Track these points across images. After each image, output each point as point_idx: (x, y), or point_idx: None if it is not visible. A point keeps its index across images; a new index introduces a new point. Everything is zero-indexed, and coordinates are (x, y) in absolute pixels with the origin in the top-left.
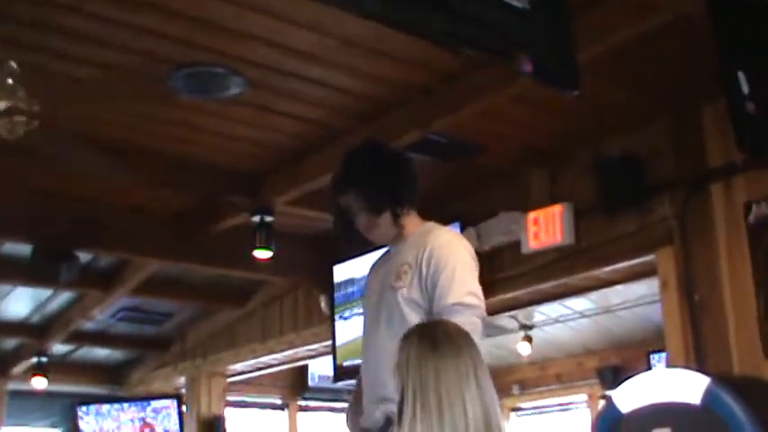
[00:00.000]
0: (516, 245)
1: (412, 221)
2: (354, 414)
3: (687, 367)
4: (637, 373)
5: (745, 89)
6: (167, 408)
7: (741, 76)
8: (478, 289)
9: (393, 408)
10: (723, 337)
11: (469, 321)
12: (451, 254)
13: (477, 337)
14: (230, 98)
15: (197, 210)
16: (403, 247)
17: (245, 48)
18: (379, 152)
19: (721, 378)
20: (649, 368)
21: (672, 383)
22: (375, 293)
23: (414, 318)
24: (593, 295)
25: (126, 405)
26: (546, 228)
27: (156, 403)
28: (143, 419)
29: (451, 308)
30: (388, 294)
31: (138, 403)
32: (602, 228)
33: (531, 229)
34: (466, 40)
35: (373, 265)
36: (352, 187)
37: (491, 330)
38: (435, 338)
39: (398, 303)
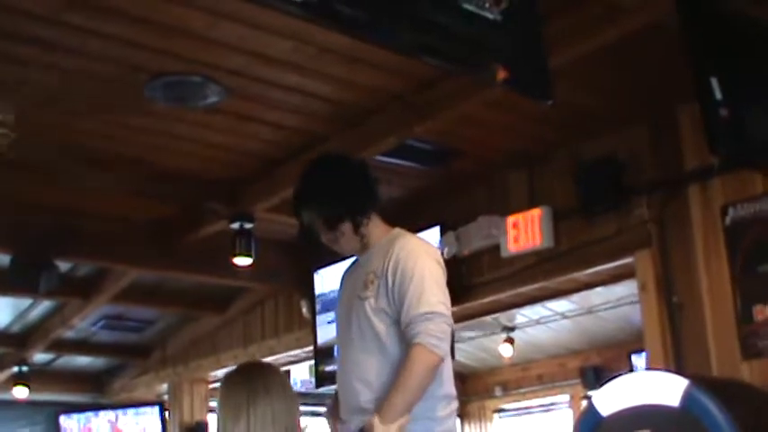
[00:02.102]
0: (496, 248)
1: (377, 228)
2: (333, 416)
3: (666, 369)
4: (618, 374)
5: (718, 95)
6: (146, 414)
7: (714, 81)
8: (447, 298)
9: (367, 418)
10: (701, 339)
11: (440, 330)
12: (417, 262)
13: (445, 344)
14: (208, 106)
15: (176, 218)
16: (370, 255)
17: (221, 56)
18: (330, 166)
19: (700, 380)
20: (631, 368)
21: (651, 386)
22: (345, 304)
23: (382, 328)
24: (574, 297)
25: (105, 413)
26: (525, 231)
27: (136, 410)
28: (112, 424)
29: (422, 316)
30: (356, 304)
31: (120, 410)
32: (582, 230)
33: (511, 232)
34: (438, 53)
35: (344, 274)
36: (306, 205)
37: (473, 333)
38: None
39: (366, 314)
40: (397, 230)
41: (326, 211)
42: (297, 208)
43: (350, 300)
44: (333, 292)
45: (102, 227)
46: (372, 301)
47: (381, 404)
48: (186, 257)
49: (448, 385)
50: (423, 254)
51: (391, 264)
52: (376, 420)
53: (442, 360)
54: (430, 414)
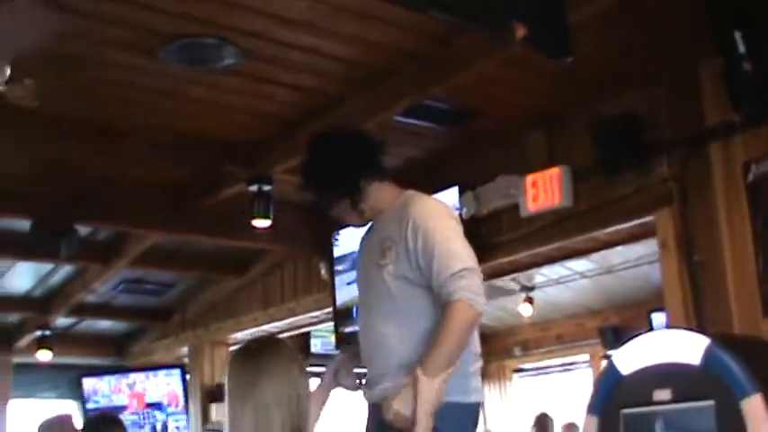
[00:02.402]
0: (515, 208)
1: (388, 192)
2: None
3: (687, 328)
4: (637, 334)
5: (742, 49)
6: (168, 376)
7: (737, 35)
8: (473, 252)
9: (387, 386)
10: (723, 297)
11: (475, 284)
12: (438, 222)
13: (482, 299)
14: (225, 69)
15: (195, 181)
16: (383, 221)
17: (237, 18)
18: (317, 147)
19: (721, 338)
20: (650, 328)
21: (671, 344)
22: (363, 271)
23: (403, 294)
24: (594, 256)
25: (126, 375)
26: (544, 190)
27: (156, 373)
28: (126, 386)
29: (456, 275)
30: (373, 273)
31: (143, 373)
32: (601, 189)
33: (530, 191)
34: (453, 10)
35: (361, 241)
36: (307, 187)
37: (492, 292)
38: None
39: (385, 282)
40: (409, 193)
41: (321, 193)
42: (301, 188)
43: (367, 268)
44: (351, 253)
45: (121, 191)
46: (391, 267)
47: (422, 359)
48: (205, 220)
49: (476, 342)
50: (441, 213)
51: (410, 227)
52: (419, 373)
53: (480, 315)
54: (462, 369)
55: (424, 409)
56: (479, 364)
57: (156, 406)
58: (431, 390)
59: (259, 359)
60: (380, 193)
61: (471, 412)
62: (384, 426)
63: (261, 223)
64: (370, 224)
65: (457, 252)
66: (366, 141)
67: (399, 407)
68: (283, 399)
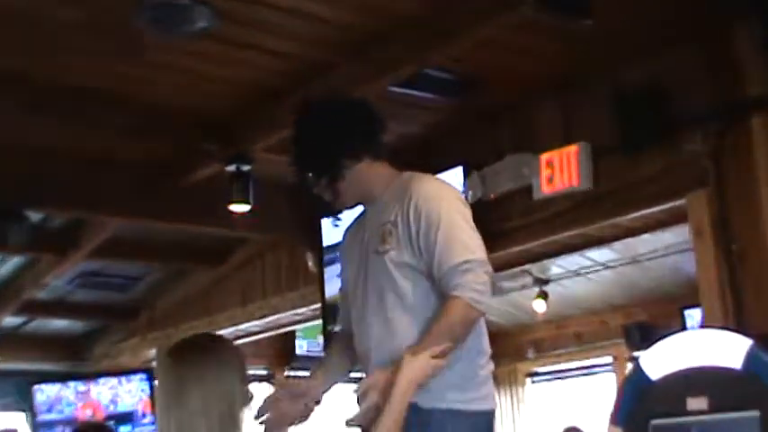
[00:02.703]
0: (527, 191)
1: (383, 173)
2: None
3: (725, 327)
4: (668, 333)
5: None
6: (132, 383)
7: None
8: (481, 241)
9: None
10: (765, 292)
11: (481, 281)
12: (442, 204)
13: (487, 298)
14: (198, 32)
15: (164, 160)
16: (380, 204)
17: None
18: (313, 113)
19: (765, 339)
20: (683, 326)
21: (708, 346)
22: (355, 262)
23: (407, 283)
24: (617, 245)
25: (84, 382)
26: (560, 171)
27: (120, 380)
28: (83, 396)
29: (460, 266)
30: (373, 261)
31: (103, 379)
32: (625, 169)
33: (544, 172)
34: None
35: (348, 229)
36: (295, 164)
37: (502, 286)
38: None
39: (388, 269)
40: (408, 173)
41: (317, 166)
42: (290, 165)
43: (363, 258)
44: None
45: (79, 171)
46: (394, 254)
47: (411, 347)
48: (176, 205)
49: (485, 342)
50: (447, 195)
51: (411, 210)
52: (406, 354)
53: (482, 316)
54: (470, 372)
55: (401, 388)
56: (490, 366)
57: (121, 418)
58: (412, 367)
59: (187, 361)
60: (373, 174)
61: (484, 422)
62: None
63: (239, 208)
64: (362, 210)
65: (463, 240)
66: (359, 111)
67: (371, 388)
68: (213, 407)
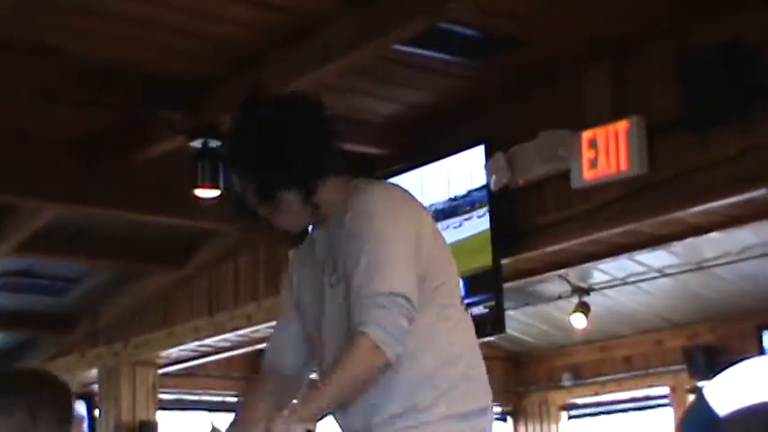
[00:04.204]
0: (565, 177)
1: (336, 188)
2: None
3: None
4: (742, 358)
5: None
6: None
7: None
8: (413, 274)
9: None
10: None
11: (394, 324)
12: (375, 222)
13: (398, 345)
14: None
15: (113, 132)
16: (329, 226)
17: None
18: (267, 109)
19: None
20: (760, 350)
21: None
22: (310, 296)
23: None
24: (677, 246)
25: None
26: (607, 152)
27: None
28: None
29: (374, 299)
30: (329, 296)
31: None
32: (689, 150)
33: (586, 154)
34: None
35: (297, 257)
36: (233, 168)
37: (531, 296)
38: None
39: (345, 305)
40: (356, 183)
41: (260, 175)
42: (225, 168)
43: (317, 293)
44: None
45: (5, 145)
46: (345, 284)
47: (305, 395)
48: (127, 188)
49: (464, 348)
50: (388, 206)
51: (346, 229)
52: (278, 418)
53: (388, 365)
54: (423, 393)
55: None
56: (456, 370)
57: None
58: None
59: (15, 404)
60: (333, 188)
61: None
62: None
63: (207, 193)
64: (310, 231)
65: (387, 267)
66: (325, 114)
67: None
68: None
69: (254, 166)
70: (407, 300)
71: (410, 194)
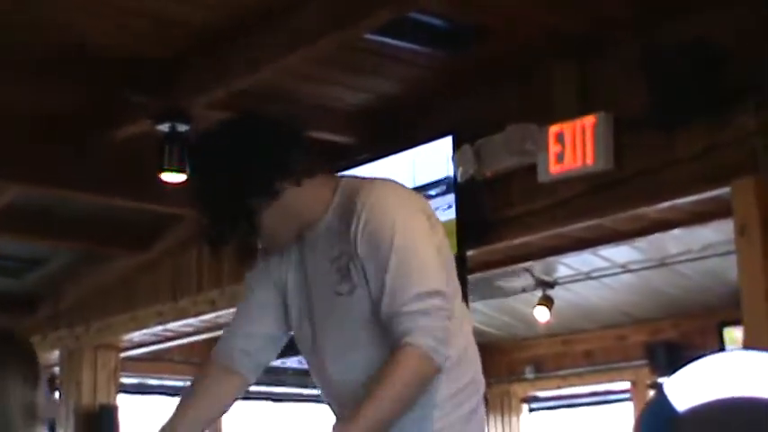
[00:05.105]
0: (531, 170)
1: (321, 190)
2: None
3: None
4: (702, 354)
5: None
6: None
7: None
8: (441, 268)
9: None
10: None
11: (440, 327)
12: (396, 219)
13: (445, 347)
14: None
15: (77, 113)
16: (324, 229)
17: None
18: (221, 138)
19: None
20: (721, 347)
21: (750, 372)
22: (304, 312)
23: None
24: (641, 242)
25: None
26: (573, 147)
27: None
28: None
29: (416, 305)
30: (337, 306)
31: None
32: (654, 147)
33: (553, 148)
34: None
35: (267, 269)
36: (202, 211)
37: (494, 289)
38: None
39: (362, 312)
40: (349, 183)
41: (232, 208)
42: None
43: (317, 305)
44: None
45: None
46: (361, 291)
47: (350, 414)
48: (91, 170)
49: (476, 363)
50: (404, 204)
51: (360, 229)
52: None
53: (439, 370)
54: (449, 410)
55: None
56: (477, 396)
57: None
58: None
59: None
60: (310, 195)
61: None
62: None
63: (173, 177)
64: (302, 239)
65: (420, 266)
66: (276, 124)
67: None
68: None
69: (226, 200)
70: (444, 297)
71: (412, 191)
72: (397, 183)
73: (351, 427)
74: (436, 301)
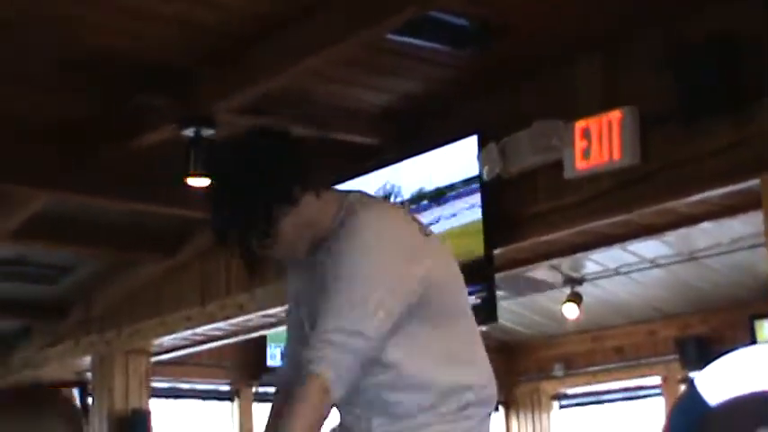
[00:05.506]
0: (557, 167)
1: (332, 203)
2: None
3: None
4: (732, 348)
5: None
6: None
7: None
8: (388, 318)
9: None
10: None
11: (349, 363)
12: (362, 248)
13: (341, 386)
14: None
15: (103, 120)
16: (324, 249)
17: None
18: (241, 151)
19: None
20: (752, 340)
21: None
22: (298, 324)
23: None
24: (670, 236)
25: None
26: (599, 142)
27: None
28: None
29: (334, 335)
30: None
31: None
32: (682, 141)
33: (579, 144)
34: None
35: (295, 274)
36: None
37: (523, 286)
38: None
39: None
40: (352, 197)
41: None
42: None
43: (308, 317)
44: None
45: None
46: None
47: None
48: (118, 177)
49: (447, 368)
50: (379, 235)
51: (335, 249)
52: None
53: (331, 407)
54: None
55: None
56: (464, 399)
57: None
58: None
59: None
60: (323, 208)
61: None
62: None
63: (199, 182)
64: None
65: (357, 305)
66: (284, 138)
67: None
68: None
69: (243, 211)
70: (366, 338)
71: (404, 216)
72: (391, 210)
73: None
74: (358, 339)
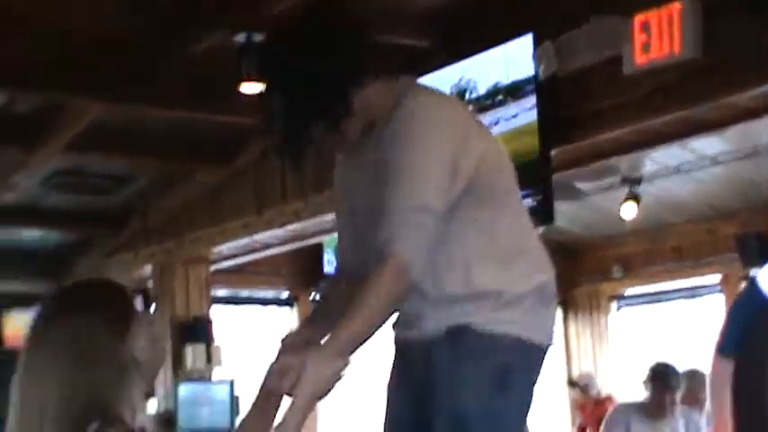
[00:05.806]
0: (616, 63)
1: (380, 91)
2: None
3: None
4: None
5: None
6: None
7: None
8: (441, 185)
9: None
10: None
11: (423, 237)
12: (416, 129)
13: (420, 261)
14: None
15: (152, 28)
16: (376, 133)
17: None
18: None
19: None
20: None
21: None
22: (364, 202)
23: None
24: (731, 131)
25: None
26: (659, 35)
27: None
28: None
29: (405, 216)
30: (373, 206)
31: None
32: (744, 33)
33: (638, 38)
34: None
35: (343, 165)
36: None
37: (580, 187)
38: None
39: None
40: (403, 82)
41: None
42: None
43: (362, 201)
44: None
45: (49, 43)
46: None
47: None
48: (170, 85)
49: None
50: (428, 114)
51: (390, 132)
52: (313, 354)
53: (411, 286)
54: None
55: (303, 403)
56: (536, 279)
57: None
58: (317, 378)
59: (47, 326)
60: (376, 94)
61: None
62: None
63: (252, 88)
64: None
65: (420, 181)
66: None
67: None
68: (72, 386)
69: (311, 101)
70: (432, 213)
71: (455, 104)
72: (442, 94)
73: (328, 348)
74: (423, 214)
